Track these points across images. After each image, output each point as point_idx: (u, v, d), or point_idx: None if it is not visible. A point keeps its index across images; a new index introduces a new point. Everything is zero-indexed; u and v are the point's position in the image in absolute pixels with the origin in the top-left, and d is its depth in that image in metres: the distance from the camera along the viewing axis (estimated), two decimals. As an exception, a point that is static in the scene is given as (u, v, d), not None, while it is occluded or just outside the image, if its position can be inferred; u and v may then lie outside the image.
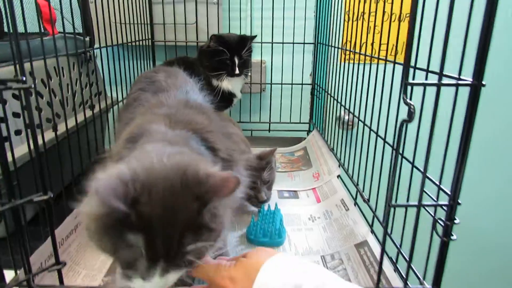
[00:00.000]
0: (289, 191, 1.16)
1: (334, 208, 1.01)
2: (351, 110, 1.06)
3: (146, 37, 1.44)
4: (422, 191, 0.57)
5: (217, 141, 0.65)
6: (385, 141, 0.79)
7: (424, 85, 0.49)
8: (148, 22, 1.44)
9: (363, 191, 0.94)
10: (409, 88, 0.47)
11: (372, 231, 0.85)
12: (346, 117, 1.48)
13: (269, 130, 1.61)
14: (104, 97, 1.33)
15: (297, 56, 1.55)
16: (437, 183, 0.58)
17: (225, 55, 1.28)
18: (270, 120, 1.61)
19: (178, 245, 0.42)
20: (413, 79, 0.56)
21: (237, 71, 1.29)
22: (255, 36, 1.34)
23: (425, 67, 0.56)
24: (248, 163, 0.96)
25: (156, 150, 0.49)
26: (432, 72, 0.54)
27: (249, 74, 1.41)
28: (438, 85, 0.48)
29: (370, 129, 0.88)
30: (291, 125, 1.62)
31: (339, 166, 1.16)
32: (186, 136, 0.59)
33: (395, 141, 0.52)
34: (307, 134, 1.62)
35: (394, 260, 0.69)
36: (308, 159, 1.39)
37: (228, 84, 1.33)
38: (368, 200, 0.89)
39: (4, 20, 1.05)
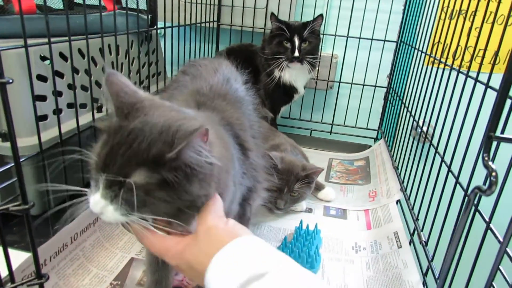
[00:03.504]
0: (338, 208, 1.02)
1: (385, 240, 0.86)
2: (427, 125, 0.88)
3: (212, 19, 1.37)
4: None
5: (249, 141, 0.64)
6: (464, 190, 0.62)
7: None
8: (216, 3, 1.36)
9: (422, 229, 0.77)
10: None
11: (425, 283, 0.69)
12: (424, 128, 1.28)
13: (330, 132, 1.46)
14: (163, 77, 1.30)
15: (374, 54, 1.37)
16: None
17: (284, 36, 1.15)
18: (333, 122, 1.46)
19: (124, 168, 0.40)
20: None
21: (296, 53, 1.15)
22: (321, 15, 1.19)
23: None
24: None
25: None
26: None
27: (316, 66, 1.26)
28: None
29: (442, 160, 0.71)
30: (356, 130, 1.45)
31: (400, 190, 0.99)
32: (216, 120, 0.59)
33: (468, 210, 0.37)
34: (374, 143, 1.44)
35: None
36: (368, 172, 1.23)
37: (290, 75, 1.21)
38: (426, 242, 0.73)
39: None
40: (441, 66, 0.87)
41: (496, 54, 0.66)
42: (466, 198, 0.34)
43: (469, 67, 0.68)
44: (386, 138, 1.34)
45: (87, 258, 0.75)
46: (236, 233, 0.44)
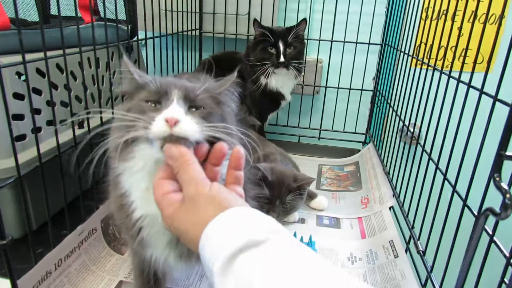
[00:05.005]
0: (330, 217, 1.01)
1: (381, 249, 0.84)
2: (417, 127, 0.88)
3: (194, 27, 1.34)
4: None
5: None
6: (463, 200, 0.61)
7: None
8: (197, 10, 1.33)
9: (419, 237, 0.76)
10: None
11: (424, 294, 0.68)
12: (414, 131, 1.28)
13: (318, 138, 1.45)
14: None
15: (359, 57, 1.36)
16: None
17: (268, 42, 1.13)
18: (321, 127, 1.45)
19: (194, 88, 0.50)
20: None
21: (282, 59, 1.13)
22: (305, 19, 1.17)
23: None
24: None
25: None
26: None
27: (302, 71, 1.24)
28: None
29: (437, 167, 0.70)
30: (344, 135, 1.44)
31: (393, 196, 0.98)
32: None
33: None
34: (362, 146, 1.44)
35: None
36: (359, 178, 1.22)
37: (276, 82, 1.19)
38: (424, 252, 0.72)
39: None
40: (430, 68, 0.86)
41: (491, 56, 0.64)
42: (474, 219, 0.32)
43: (460, 70, 0.67)
44: (375, 142, 1.33)
45: (72, 284, 0.71)
46: (227, 203, 0.42)
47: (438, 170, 0.70)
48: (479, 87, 0.56)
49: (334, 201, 1.09)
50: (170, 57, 1.18)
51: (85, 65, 0.95)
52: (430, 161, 0.74)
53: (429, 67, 0.84)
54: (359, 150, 1.40)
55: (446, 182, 0.66)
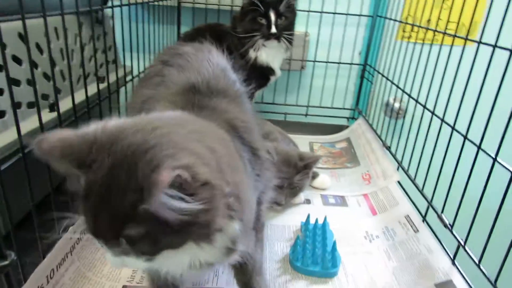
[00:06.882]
0: (335, 196, 0.96)
1: (397, 226, 0.80)
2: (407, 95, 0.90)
3: (171, -3, 1.22)
4: None
5: (257, 140, 0.56)
6: (479, 148, 0.57)
7: None
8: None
9: (442, 210, 0.72)
10: None
11: (457, 266, 0.65)
12: (396, 105, 1.26)
13: (306, 115, 1.39)
14: (115, 66, 1.10)
15: (349, 31, 1.30)
16: None
17: (258, 12, 1.04)
18: (308, 103, 1.38)
19: (115, 228, 0.34)
20: None
21: (273, 29, 1.04)
22: None
23: None
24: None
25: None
26: None
27: (293, 44, 1.15)
28: None
29: (453, 128, 0.66)
30: (332, 111, 1.39)
31: (398, 169, 0.94)
32: (218, 125, 0.48)
33: None
34: (347, 121, 1.40)
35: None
36: (354, 153, 1.18)
37: (266, 55, 1.10)
38: (452, 225, 0.68)
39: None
40: (409, 40, 0.83)
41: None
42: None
43: (465, 35, 0.64)
44: (367, 117, 1.30)
45: (68, 293, 0.60)
46: None
47: (454, 131, 0.66)
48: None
49: (335, 179, 1.04)
50: (145, 31, 1.04)
51: (52, 37, 0.81)
52: (441, 129, 0.72)
53: (413, 40, 0.80)
54: (347, 126, 1.36)
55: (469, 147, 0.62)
